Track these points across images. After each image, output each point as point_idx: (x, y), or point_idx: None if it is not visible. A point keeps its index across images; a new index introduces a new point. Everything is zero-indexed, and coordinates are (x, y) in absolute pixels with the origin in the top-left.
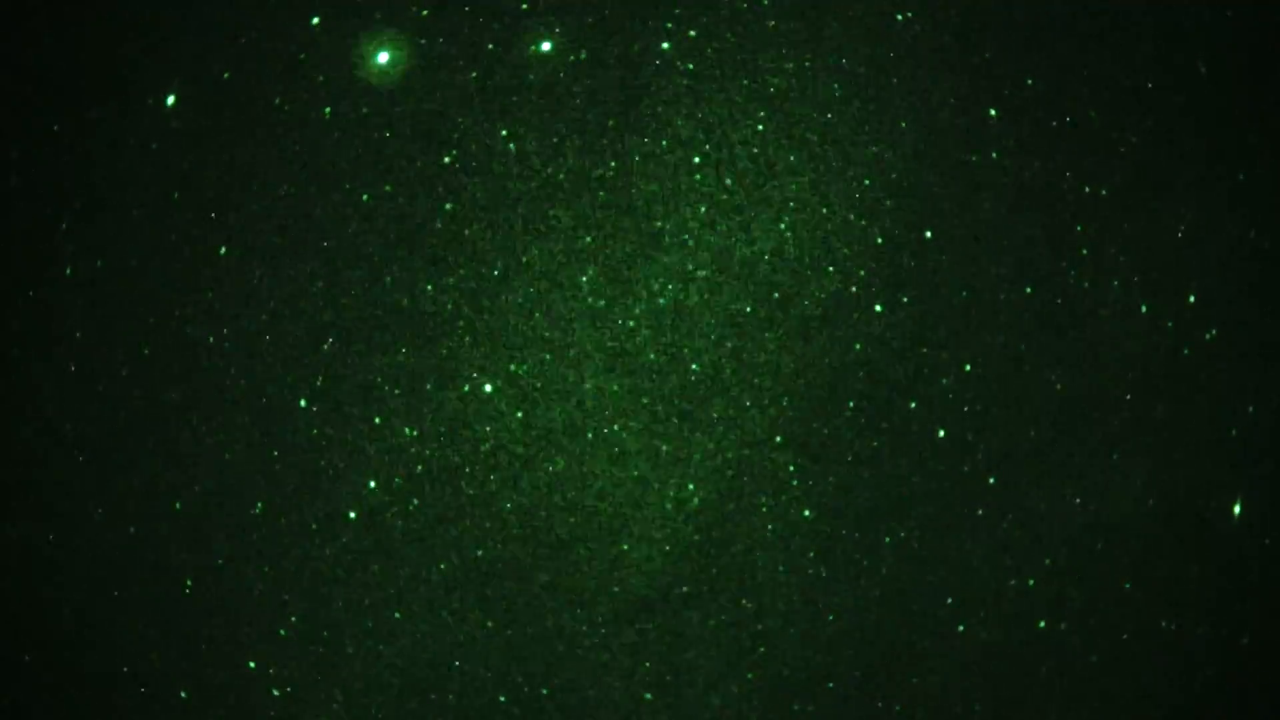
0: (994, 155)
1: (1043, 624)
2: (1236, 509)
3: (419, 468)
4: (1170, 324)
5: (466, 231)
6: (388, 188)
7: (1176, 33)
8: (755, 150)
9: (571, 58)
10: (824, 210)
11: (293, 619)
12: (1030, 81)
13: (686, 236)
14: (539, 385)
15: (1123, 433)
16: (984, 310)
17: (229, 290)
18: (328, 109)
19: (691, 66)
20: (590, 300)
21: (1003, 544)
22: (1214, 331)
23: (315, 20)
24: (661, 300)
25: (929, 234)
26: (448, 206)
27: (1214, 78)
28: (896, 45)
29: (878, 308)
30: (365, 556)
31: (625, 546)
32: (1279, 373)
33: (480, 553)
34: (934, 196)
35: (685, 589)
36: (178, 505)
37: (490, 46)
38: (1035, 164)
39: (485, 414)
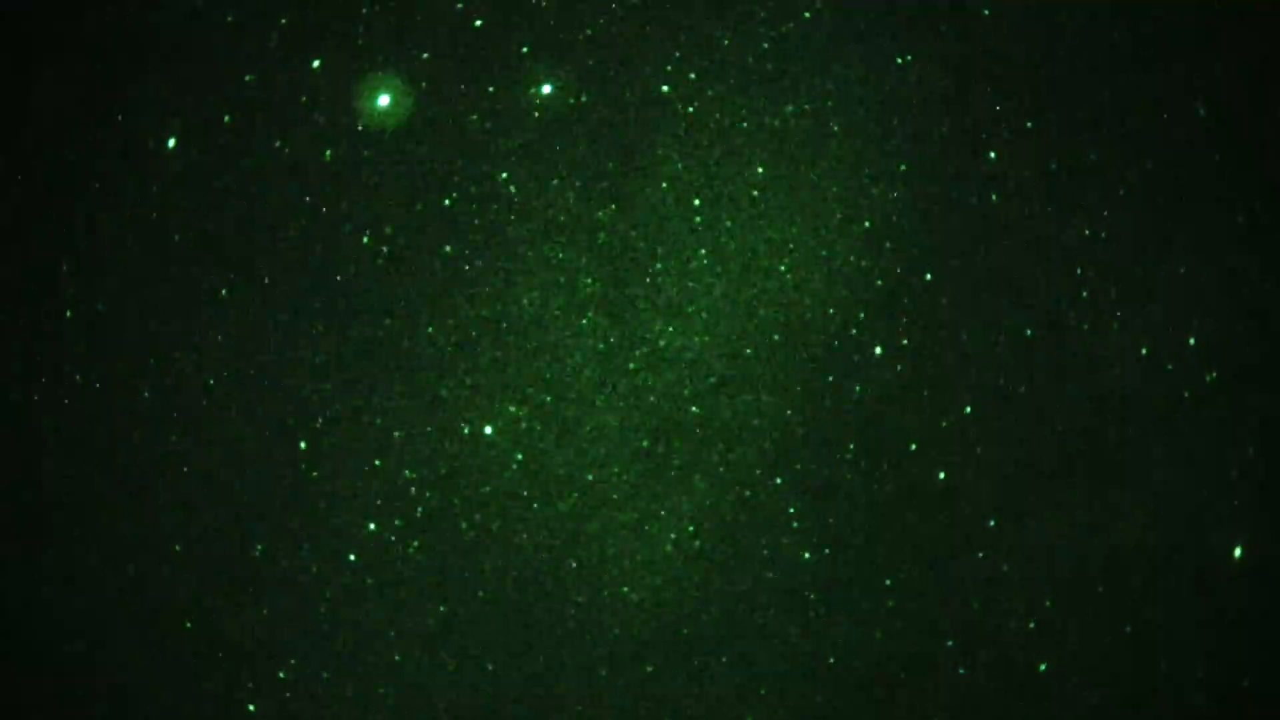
0: (993, 197)
1: (1044, 666)
2: (1237, 551)
3: (419, 510)
4: (1170, 366)
5: (467, 274)
6: (388, 230)
7: (1176, 74)
8: (755, 192)
9: (572, 100)
10: (823, 252)
11: (292, 661)
12: (1030, 124)
13: (686, 278)
14: (539, 427)
15: (1123, 475)
16: (984, 352)
17: (228, 332)
18: (328, 151)
19: (691, 109)
20: (590, 342)
21: (1003, 586)
22: (1214, 374)
23: (316, 63)
24: (661, 342)
25: (929, 276)
26: (448, 249)
27: (1213, 119)
28: (896, 87)
29: (877, 350)
30: (365, 598)
31: (625, 589)
32: (1279, 414)
33: (480, 595)
34: (934, 239)
35: (685, 631)
36: (177, 547)
37: (491, 89)
38: (1035, 206)
39: (485, 456)
